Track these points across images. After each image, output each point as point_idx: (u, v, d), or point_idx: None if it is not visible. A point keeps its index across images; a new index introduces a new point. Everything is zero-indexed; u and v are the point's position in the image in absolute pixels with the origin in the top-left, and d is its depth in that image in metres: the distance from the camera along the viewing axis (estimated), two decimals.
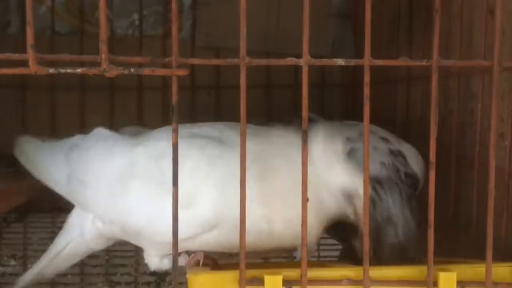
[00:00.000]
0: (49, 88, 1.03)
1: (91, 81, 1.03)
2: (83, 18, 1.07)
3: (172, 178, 0.43)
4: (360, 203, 0.50)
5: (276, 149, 0.51)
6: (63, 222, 1.01)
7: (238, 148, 0.49)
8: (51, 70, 0.40)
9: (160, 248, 0.55)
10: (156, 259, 0.57)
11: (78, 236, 0.60)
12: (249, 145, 0.45)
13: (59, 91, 1.02)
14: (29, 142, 0.64)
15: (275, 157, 0.51)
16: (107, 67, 0.40)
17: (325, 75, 1.10)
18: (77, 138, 0.61)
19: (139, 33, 1.07)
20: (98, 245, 0.61)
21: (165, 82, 1.03)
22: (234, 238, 0.49)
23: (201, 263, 0.52)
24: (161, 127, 0.59)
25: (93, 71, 0.40)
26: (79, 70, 0.40)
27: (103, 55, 0.40)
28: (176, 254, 0.43)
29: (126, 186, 0.54)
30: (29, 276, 0.64)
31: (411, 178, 0.60)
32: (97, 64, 0.40)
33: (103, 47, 0.40)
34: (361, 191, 0.49)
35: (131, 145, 0.56)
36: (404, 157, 0.62)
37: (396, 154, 0.62)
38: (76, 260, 0.64)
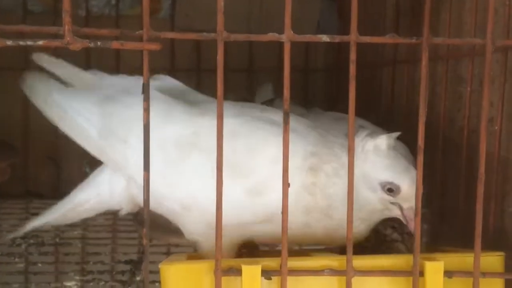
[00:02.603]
0: (22, 69, 0.98)
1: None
2: None
3: (143, 162, 0.40)
4: (403, 197, 0.48)
5: (329, 150, 0.50)
6: (36, 208, 0.98)
7: (307, 139, 0.49)
8: (9, 42, 0.36)
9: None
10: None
11: (106, 195, 0.55)
12: (310, 137, 0.48)
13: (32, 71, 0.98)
14: (44, 82, 0.57)
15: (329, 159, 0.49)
16: (70, 39, 0.36)
17: (308, 59, 1.08)
18: (114, 91, 0.56)
19: (115, 12, 1.03)
20: (126, 208, 0.56)
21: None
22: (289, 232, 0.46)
23: None
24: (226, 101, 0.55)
25: (55, 43, 0.37)
26: (40, 43, 0.37)
27: (66, 27, 0.36)
28: (147, 243, 0.40)
29: (185, 158, 0.49)
30: (36, 223, 0.59)
31: None
32: (60, 36, 0.37)
33: (66, 17, 0.36)
34: (403, 184, 0.48)
35: (193, 114, 0.51)
36: None
37: None
38: (93, 214, 0.59)
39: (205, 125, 0.50)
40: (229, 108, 0.51)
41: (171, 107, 0.52)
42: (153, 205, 0.51)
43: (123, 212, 0.56)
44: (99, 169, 0.57)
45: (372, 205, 0.49)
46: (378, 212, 0.50)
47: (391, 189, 0.48)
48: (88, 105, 0.55)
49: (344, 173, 0.48)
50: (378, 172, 0.48)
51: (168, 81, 0.59)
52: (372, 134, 0.49)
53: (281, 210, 0.45)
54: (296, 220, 0.48)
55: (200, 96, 0.58)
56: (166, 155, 0.50)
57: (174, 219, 0.53)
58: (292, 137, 0.48)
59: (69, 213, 0.57)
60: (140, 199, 0.53)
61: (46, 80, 0.57)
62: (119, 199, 0.55)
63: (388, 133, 0.49)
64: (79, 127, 0.55)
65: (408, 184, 0.48)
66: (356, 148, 0.48)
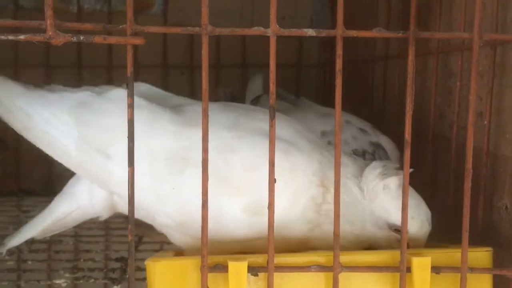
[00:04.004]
0: (12, 66, 0.98)
1: (57, 58, 0.99)
2: None
3: (128, 156, 0.39)
4: (411, 237, 0.47)
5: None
6: (28, 206, 0.98)
7: (313, 157, 0.47)
8: None
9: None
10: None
11: (87, 206, 0.52)
12: (315, 154, 0.47)
13: (22, 69, 0.97)
14: (5, 86, 0.50)
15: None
16: (53, 34, 0.36)
17: (302, 55, 1.07)
18: (86, 95, 0.50)
19: (107, 9, 1.03)
20: (107, 214, 0.54)
21: (136, 58, 0.99)
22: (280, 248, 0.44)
23: None
24: (219, 108, 0.50)
25: (37, 38, 0.36)
26: (21, 37, 0.36)
27: (48, 21, 0.36)
28: (132, 240, 0.40)
29: (178, 174, 0.47)
30: (20, 240, 0.55)
31: None
32: (42, 30, 0.36)
33: (48, 11, 0.36)
34: (411, 229, 0.46)
35: (182, 124, 0.48)
36: (383, 149, 0.61)
37: (377, 146, 0.61)
38: (75, 224, 0.56)
39: (198, 139, 0.43)
40: (224, 117, 0.49)
41: (157, 116, 0.49)
42: (146, 219, 0.50)
43: (101, 219, 0.54)
44: (75, 178, 0.54)
45: (378, 239, 0.48)
46: (381, 242, 0.49)
47: (399, 230, 0.46)
48: (58, 112, 0.49)
49: (352, 206, 0.47)
50: (388, 214, 0.47)
51: (143, 87, 0.55)
52: (382, 173, 0.47)
53: (280, 228, 0.44)
54: (297, 230, 0.47)
55: (181, 100, 0.55)
56: (156, 169, 0.47)
57: (163, 230, 0.51)
58: (297, 155, 0.47)
59: (51, 227, 0.54)
60: (123, 209, 0.51)
61: (8, 84, 0.51)
62: (100, 209, 0.53)
63: (398, 170, 0.47)
64: (50, 138, 0.49)
65: (418, 227, 0.47)
66: (366, 186, 0.47)
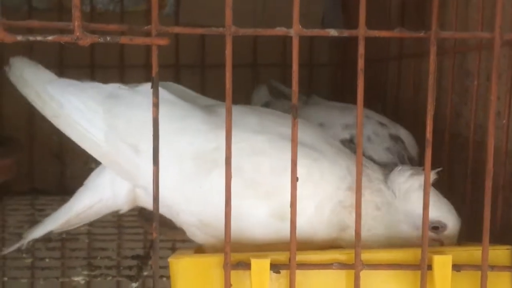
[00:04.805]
0: None
1: (70, 58, 1.00)
2: None
3: (153, 155, 0.40)
4: (447, 234, 0.48)
5: (370, 182, 0.48)
6: (42, 204, 0.99)
7: (339, 162, 0.48)
8: (19, 38, 0.37)
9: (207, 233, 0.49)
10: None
11: (110, 199, 0.52)
12: (340, 160, 0.47)
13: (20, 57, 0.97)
14: (35, 71, 0.51)
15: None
16: (80, 35, 0.36)
17: (312, 54, 1.08)
18: (117, 87, 0.51)
19: (120, 9, 1.03)
20: (129, 207, 0.53)
21: (148, 59, 0.99)
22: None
23: None
24: (243, 107, 0.50)
25: (65, 38, 0.37)
26: (49, 38, 0.37)
27: (76, 22, 0.36)
28: (157, 237, 0.40)
29: (206, 175, 0.47)
30: (40, 232, 0.55)
31: (411, 162, 0.59)
32: (70, 31, 0.37)
33: (76, 12, 0.36)
34: (449, 223, 0.48)
35: (214, 125, 0.48)
36: (403, 142, 0.61)
37: (396, 139, 0.61)
38: (96, 218, 0.55)
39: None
40: (252, 120, 0.49)
41: (188, 114, 0.49)
42: (169, 216, 0.50)
43: (121, 212, 0.54)
44: (97, 171, 0.54)
45: (412, 241, 0.48)
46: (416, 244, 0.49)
47: (436, 227, 0.47)
48: (89, 102, 0.50)
49: (386, 209, 0.47)
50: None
51: (174, 87, 0.55)
52: (414, 174, 0.48)
53: (306, 235, 0.45)
54: (324, 235, 0.47)
55: (211, 101, 0.55)
56: (184, 168, 0.48)
57: (185, 227, 0.51)
58: (324, 162, 0.47)
59: (72, 220, 0.54)
60: (146, 203, 0.51)
61: (38, 69, 0.52)
62: (122, 202, 0.52)
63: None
64: (80, 127, 0.49)
65: (455, 222, 0.48)
66: (398, 188, 0.48)
